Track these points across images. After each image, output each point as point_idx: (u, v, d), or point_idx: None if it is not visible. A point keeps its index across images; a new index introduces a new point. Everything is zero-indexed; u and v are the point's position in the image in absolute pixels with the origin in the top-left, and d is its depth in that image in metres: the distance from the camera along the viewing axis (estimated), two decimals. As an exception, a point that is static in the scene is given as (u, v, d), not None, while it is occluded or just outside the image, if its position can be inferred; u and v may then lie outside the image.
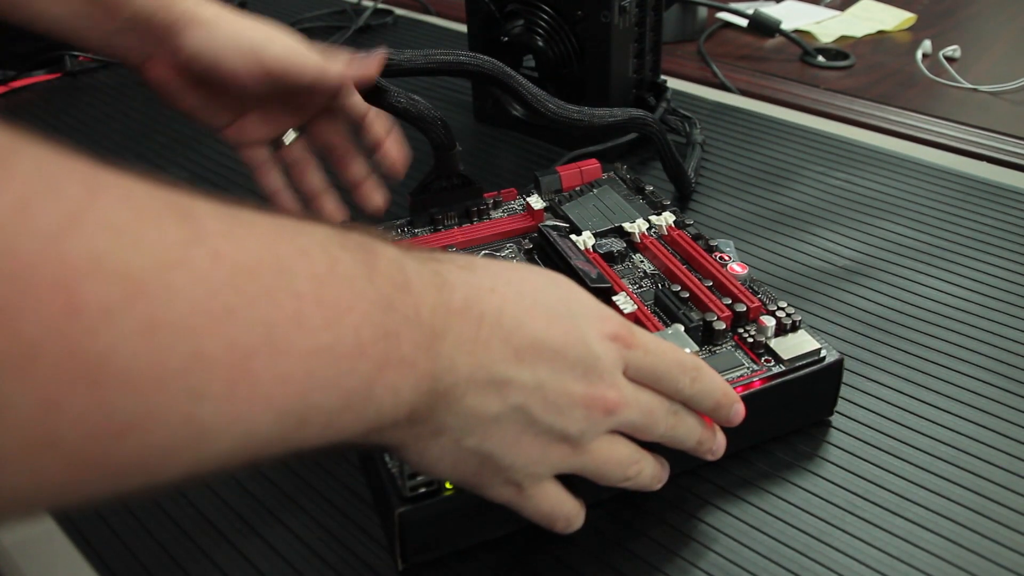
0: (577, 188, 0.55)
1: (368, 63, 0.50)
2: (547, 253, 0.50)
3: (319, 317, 0.26)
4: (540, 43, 0.68)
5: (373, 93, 0.50)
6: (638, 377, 0.36)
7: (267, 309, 0.25)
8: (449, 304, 0.31)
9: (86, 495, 0.23)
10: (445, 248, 0.51)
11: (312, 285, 0.26)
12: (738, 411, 0.38)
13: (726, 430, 0.40)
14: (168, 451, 0.23)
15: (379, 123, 0.53)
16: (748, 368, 0.42)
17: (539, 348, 0.33)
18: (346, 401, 0.27)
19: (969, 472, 0.42)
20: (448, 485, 0.37)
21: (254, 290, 0.25)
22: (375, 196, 0.54)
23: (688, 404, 0.37)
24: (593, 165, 0.56)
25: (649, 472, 0.37)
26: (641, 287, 0.48)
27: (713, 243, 0.49)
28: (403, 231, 0.53)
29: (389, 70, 0.50)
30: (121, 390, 0.22)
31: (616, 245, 0.50)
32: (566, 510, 0.36)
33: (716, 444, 0.39)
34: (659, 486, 0.38)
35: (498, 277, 0.34)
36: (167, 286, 0.22)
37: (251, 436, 0.25)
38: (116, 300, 0.21)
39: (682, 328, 0.41)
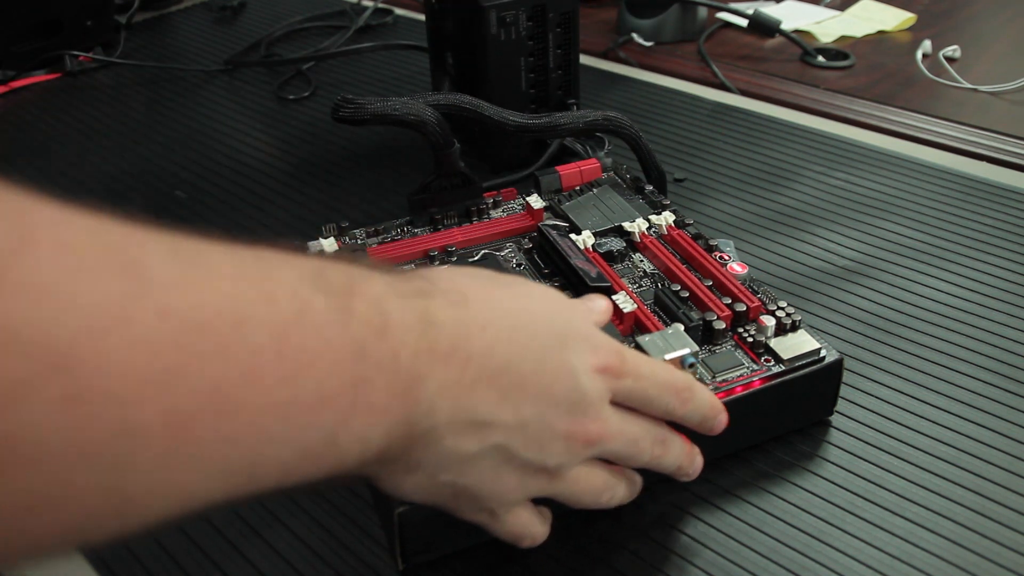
0: (577, 188, 0.55)
1: None
2: (547, 252, 0.50)
3: (277, 371, 0.24)
4: (454, 43, 0.68)
5: (360, 111, 0.50)
6: (628, 402, 0.35)
7: (216, 367, 0.23)
8: (434, 347, 0.29)
9: (3, 557, 0.22)
10: (445, 248, 0.51)
11: (273, 337, 0.24)
12: (722, 420, 0.38)
13: (726, 431, 0.40)
14: (88, 522, 0.22)
15: None
16: (748, 368, 0.42)
17: (526, 387, 0.32)
18: (304, 453, 0.26)
19: (969, 472, 0.42)
20: None
21: (204, 347, 0.23)
22: None
23: (677, 422, 0.37)
24: (593, 165, 0.56)
25: (621, 494, 0.38)
26: (641, 286, 0.48)
27: (713, 243, 0.49)
28: (403, 231, 0.53)
29: (351, 120, 0.50)
30: (32, 468, 0.20)
31: (616, 244, 0.50)
32: (533, 531, 0.36)
33: (693, 469, 0.39)
34: (627, 501, 0.39)
35: (494, 310, 0.32)
36: (98, 353, 0.20)
37: (189, 497, 0.24)
38: (33, 374, 0.19)
39: (682, 327, 0.41)
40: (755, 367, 0.42)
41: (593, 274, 0.46)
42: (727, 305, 0.44)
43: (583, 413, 0.33)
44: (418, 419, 0.29)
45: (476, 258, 0.51)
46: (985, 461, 0.42)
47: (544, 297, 0.36)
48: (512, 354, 0.32)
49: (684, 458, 0.38)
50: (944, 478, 0.42)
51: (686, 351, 0.39)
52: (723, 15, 0.93)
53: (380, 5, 1.00)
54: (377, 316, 0.28)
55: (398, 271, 0.32)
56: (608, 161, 0.57)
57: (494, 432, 0.31)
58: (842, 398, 0.45)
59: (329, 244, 0.51)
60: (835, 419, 0.45)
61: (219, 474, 0.24)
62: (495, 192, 0.56)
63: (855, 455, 0.43)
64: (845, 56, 0.85)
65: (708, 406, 0.38)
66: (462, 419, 0.30)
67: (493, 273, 0.36)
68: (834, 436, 0.44)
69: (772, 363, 0.42)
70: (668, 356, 0.38)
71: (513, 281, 0.36)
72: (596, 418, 0.34)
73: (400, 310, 0.29)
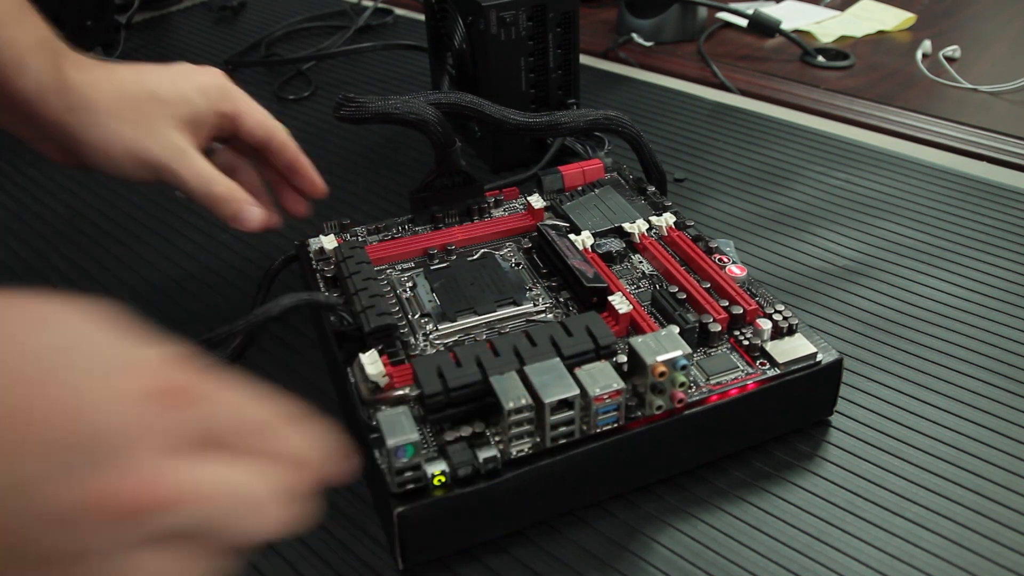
0: (579, 188, 0.55)
1: (297, 206, 0.52)
2: (545, 252, 0.50)
3: None
4: (454, 43, 0.68)
5: (361, 109, 0.50)
6: (217, 439, 0.25)
7: None
8: None
9: None
10: (445, 247, 0.51)
11: None
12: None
13: (724, 431, 0.40)
14: None
15: (287, 152, 0.52)
16: (742, 371, 0.42)
17: None
18: None
19: (969, 472, 0.42)
20: (437, 482, 0.37)
21: None
22: (298, 206, 0.53)
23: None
24: (596, 165, 0.56)
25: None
26: (639, 288, 0.48)
27: (713, 244, 0.49)
28: (404, 229, 0.53)
29: (352, 118, 0.50)
30: None
31: (615, 245, 0.50)
32: None
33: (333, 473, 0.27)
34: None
35: None
36: None
37: None
38: None
39: (676, 329, 0.41)
40: (750, 370, 0.42)
41: (590, 275, 0.46)
42: (724, 308, 0.44)
43: (126, 461, 0.22)
44: None
45: (475, 257, 0.51)
46: (985, 461, 0.42)
47: (45, 304, 0.24)
48: None
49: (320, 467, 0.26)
50: (944, 478, 0.42)
51: (678, 353, 0.38)
52: (723, 15, 0.93)
53: (380, 5, 1.00)
54: None
55: None
56: (608, 161, 0.58)
57: None
58: (842, 398, 0.45)
59: (329, 241, 0.51)
60: (835, 419, 0.45)
61: None
62: (496, 191, 0.56)
63: (855, 455, 0.43)
64: (845, 56, 0.85)
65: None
66: None
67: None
68: (834, 436, 0.44)
69: (767, 366, 0.42)
70: (660, 358, 0.38)
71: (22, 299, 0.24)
72: (152, 470, 0.23)
73: None
